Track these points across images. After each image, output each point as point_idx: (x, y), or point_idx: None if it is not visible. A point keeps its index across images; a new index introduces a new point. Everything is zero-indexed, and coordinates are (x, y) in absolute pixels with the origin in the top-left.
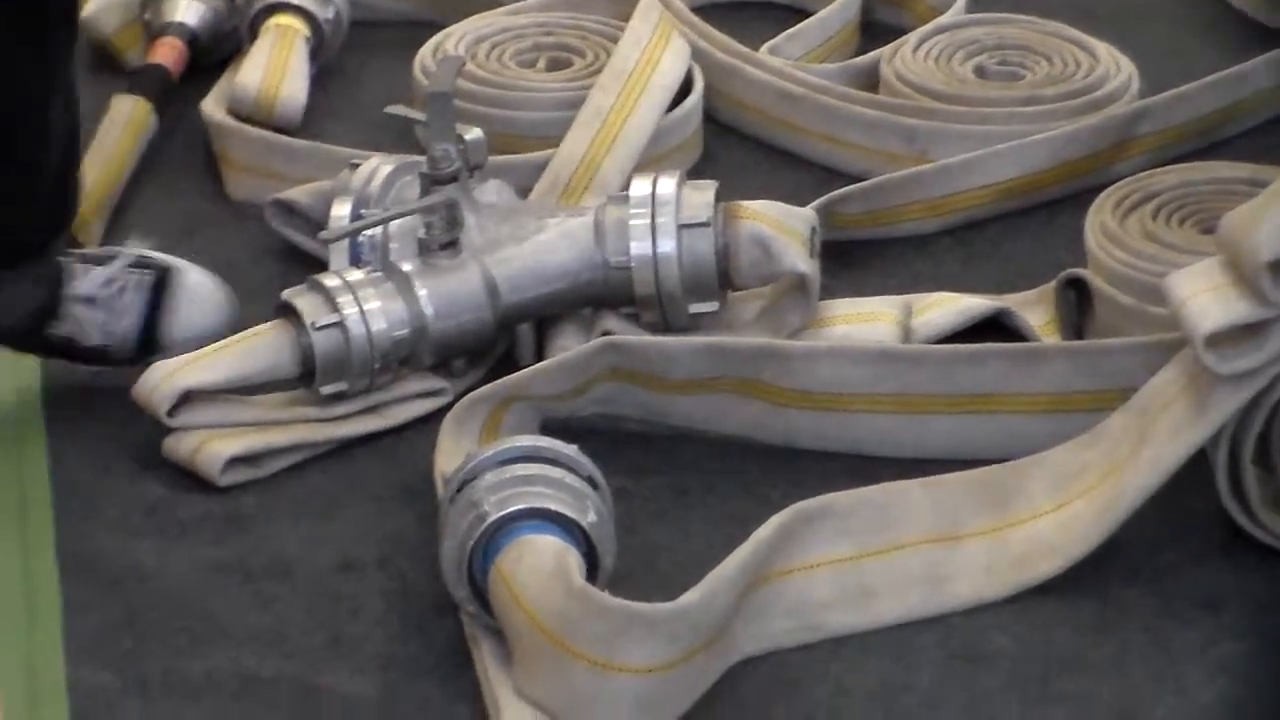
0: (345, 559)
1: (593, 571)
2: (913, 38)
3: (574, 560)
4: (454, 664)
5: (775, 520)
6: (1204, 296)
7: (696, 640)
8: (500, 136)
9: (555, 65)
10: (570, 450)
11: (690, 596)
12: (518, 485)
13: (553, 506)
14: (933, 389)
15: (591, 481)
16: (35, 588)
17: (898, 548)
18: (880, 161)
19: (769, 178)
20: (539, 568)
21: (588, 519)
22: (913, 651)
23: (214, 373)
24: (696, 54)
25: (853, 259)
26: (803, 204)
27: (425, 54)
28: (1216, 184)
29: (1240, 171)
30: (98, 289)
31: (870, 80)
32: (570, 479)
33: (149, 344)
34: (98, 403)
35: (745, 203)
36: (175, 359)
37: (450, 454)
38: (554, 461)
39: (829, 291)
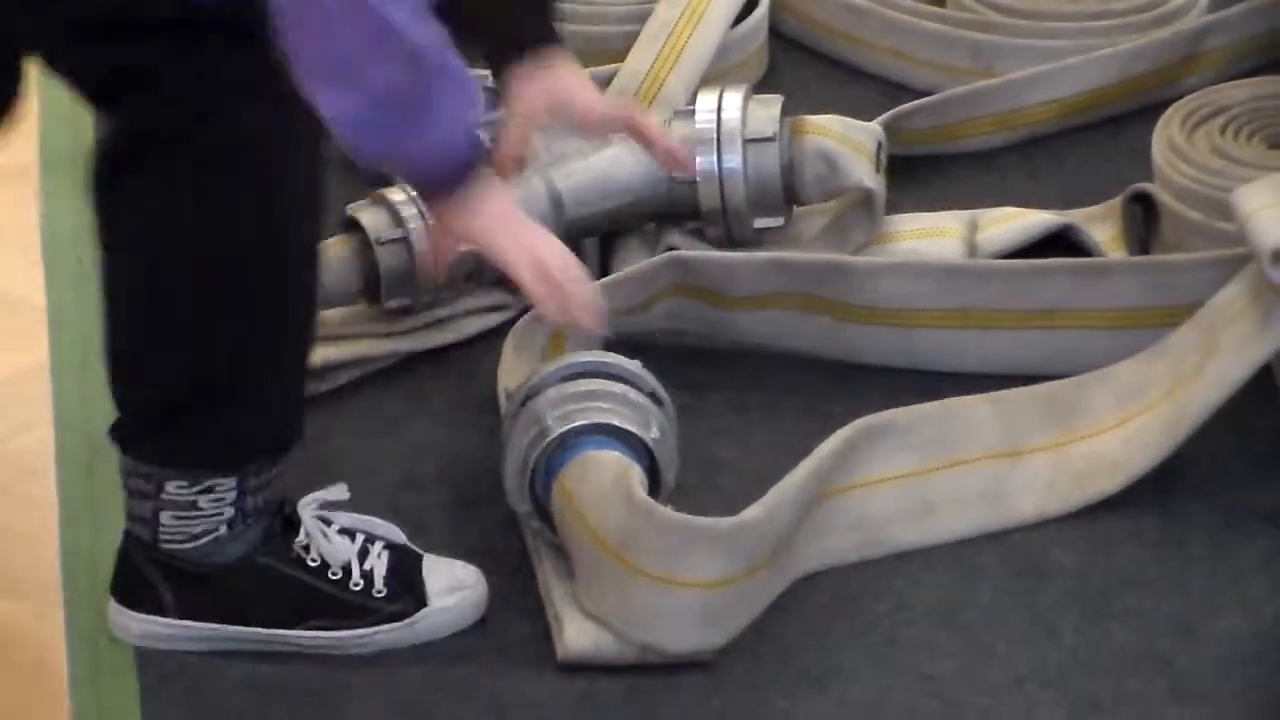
0: (407, 476)
1: (655, 487)
2: None
3: (636, 475)
4: (517, 580)
5: (838, 435)
6: (1271, 211)
7: (759, 555)
8: None
9: None
10: (633, 366)
11: (752, 511)
12: (581, 401)
13: (615, 422)
14: (997, 304)
15: (654, 397)
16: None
17: (960, 463)
18: (946, 76)
19: (834, 93)
20: (601, 483)
21: (650, 435)
22: (974, 567)
23: None
24: None
25: (918, 174)
26: (868, 119)
27: None
28: None
29: None
30: None
31: None
32: (633, 395)
33: None
34: None
35: (811, 117)
36: None
37: (513, 370)
38: (617, 377)
39: (894, 207)
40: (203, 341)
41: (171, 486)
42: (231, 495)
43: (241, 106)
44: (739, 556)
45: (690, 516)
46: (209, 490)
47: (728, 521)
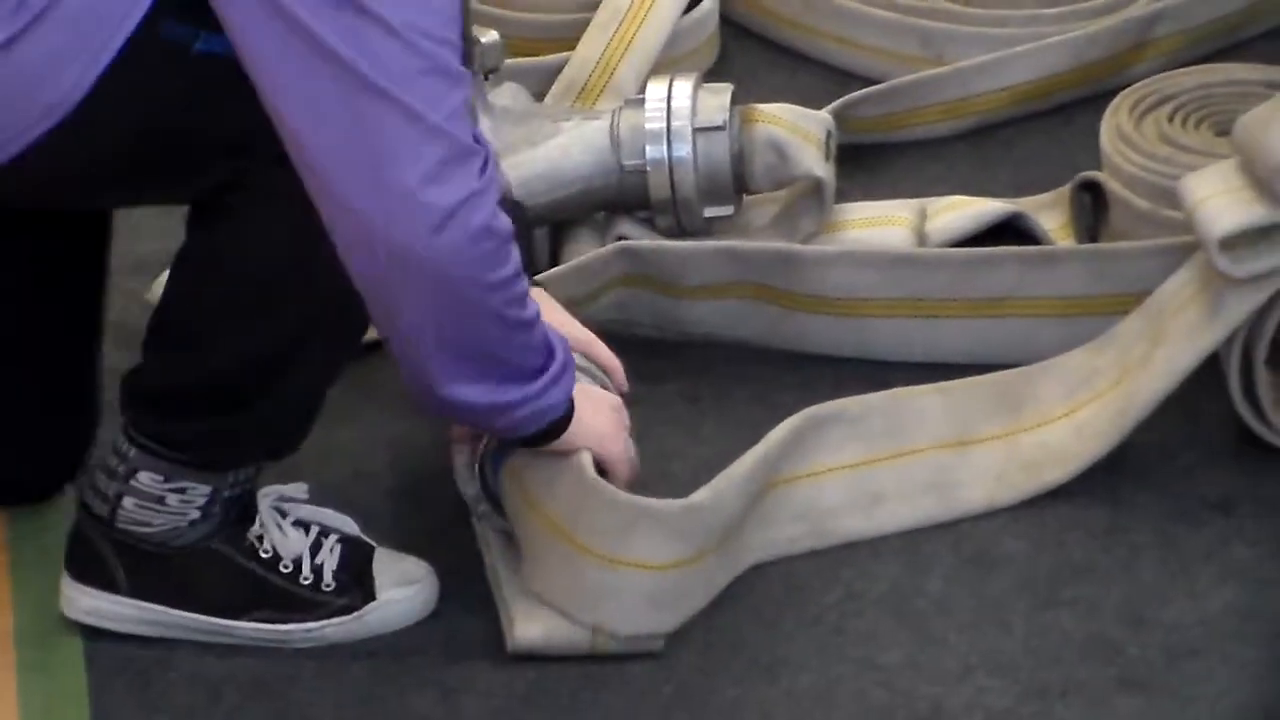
0: (359, 467)
1: (605, 475)
2: None
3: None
4: (468, 572)
5: (787, 424)
6: (1218, 199)
7: (707, 540)
8: (517, 39)
9: None
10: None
11: (701, 495)
12: None
13: None
14: (946, 293)
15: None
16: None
17: (909, 453)
18: (896, 64)
19: (785, 81)
20: (550, 463)
21: None
22: (923, 556)
23: None
24: None
25: (868, 162)
26: (818, 107)
27: None
28: (1234, 86)
29: (1258, 73)
30: None
31: None
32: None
33: None
34: None
35: (761, 106)
36: None
37: None
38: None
39: (843, 195)
40: (257, 332)
41: (145, 477)
42: (202, 500)
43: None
44: (687, 539)
45: (638, 497)
46: (181, 491)
47: (676, 503)
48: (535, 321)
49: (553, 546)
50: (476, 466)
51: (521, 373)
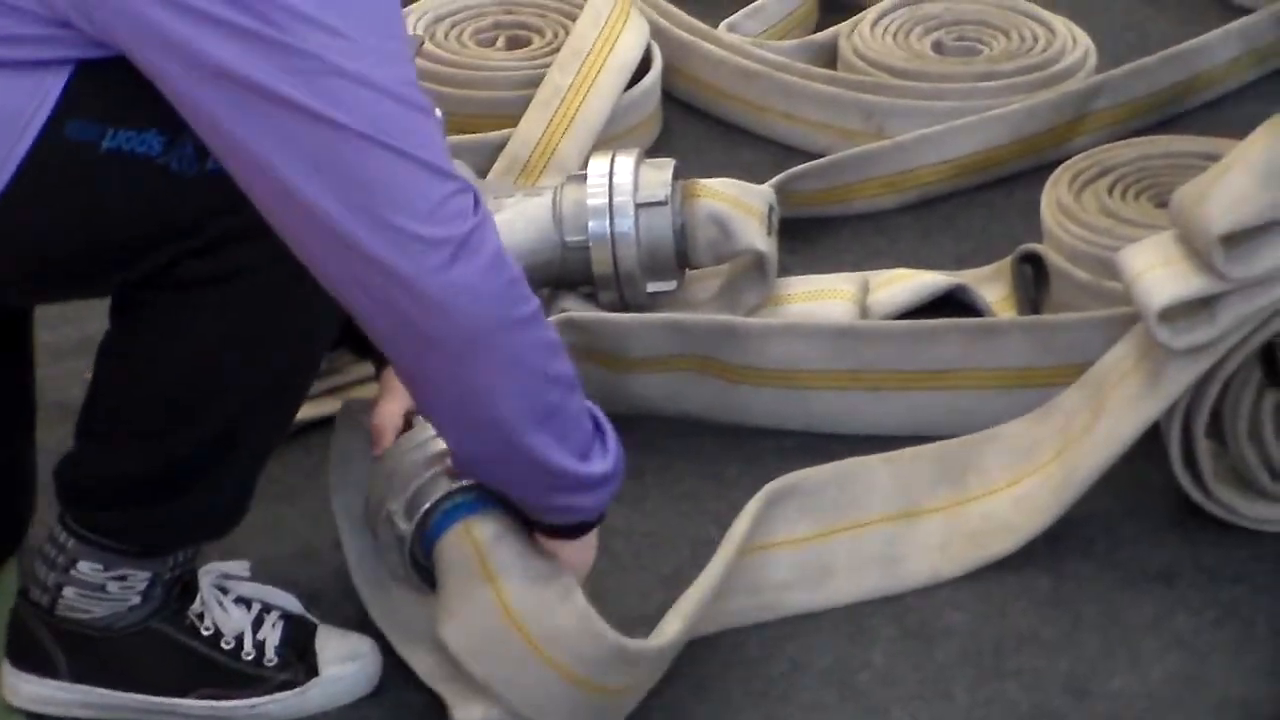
0: (304, 545)
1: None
2: (871, 14)
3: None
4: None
5: (746, 513)
6: (1157, 271)
7: (667, 667)
8: (459, 116)
9: (514, 44)
10: None
11: (674, 626)
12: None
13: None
14: (889, 365)
15: None
16: None
17: (858, 526)
18: (838, 138)
19: (727, 155)
20: (524, 554)
21: None
22: (868, 629)
23: None
24: (655, 31)
25: (810, 236)
26: (761, 181)
27: None
28: (1172, 158)
29: (1196, 145)
30: None
31: (829, 57)
32: None
33: None
34: None
35: (703, 181)
36: None
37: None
38: None
39: (787, 269)
40: (191, 420)
41: (85, 566)
42: (143, 585)
43: (244, 248)
44: (654, 671)
45: (622, 637)
46: (121, 578)
47: (654, 645)
48: (575, 384)
49: (509, 638)
50: (408, 549)
51: (586, 441)
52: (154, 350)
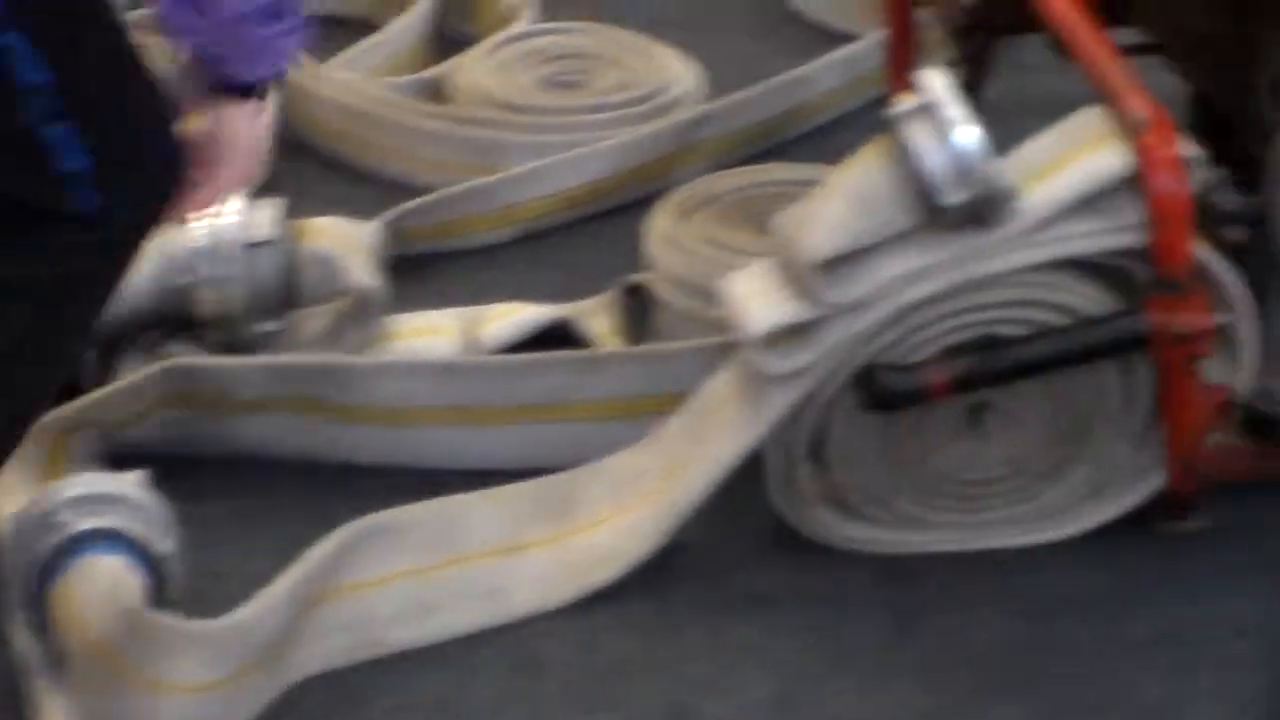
0: None
1: (161, 602)
2: (481, 48)
3: (134, 581)
4: (5, 694)
5: (332, 537)
6: (757, 298)
7: (248, 657)
8: None
9: None
10: (134, 490)
11: (240, 613)
12: (88, 506)
13: (121, 528)
14: (496, 399)
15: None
16: None
17: (459, 560)
18: (451, 173)
19: (339, 194)
20: (97, 586)
21: (159, 547)
22: (474, 663)
23: None
24: None
25: (420, 273)
26: (371, 219)
27: None
28: (775, 186)
29: (799, 173)
30: None
31: (441, 92)
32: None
33: None
34: None
35: (310, 220)
36: None
37: (11, 487)
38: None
39: (398, 306)
40: None
41: None
42: None
43: None
44: (227, 659)
45: (176, 620)
46: None
47: (214, 623)
48: None
49: (95, 670)
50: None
51: None
52: None
